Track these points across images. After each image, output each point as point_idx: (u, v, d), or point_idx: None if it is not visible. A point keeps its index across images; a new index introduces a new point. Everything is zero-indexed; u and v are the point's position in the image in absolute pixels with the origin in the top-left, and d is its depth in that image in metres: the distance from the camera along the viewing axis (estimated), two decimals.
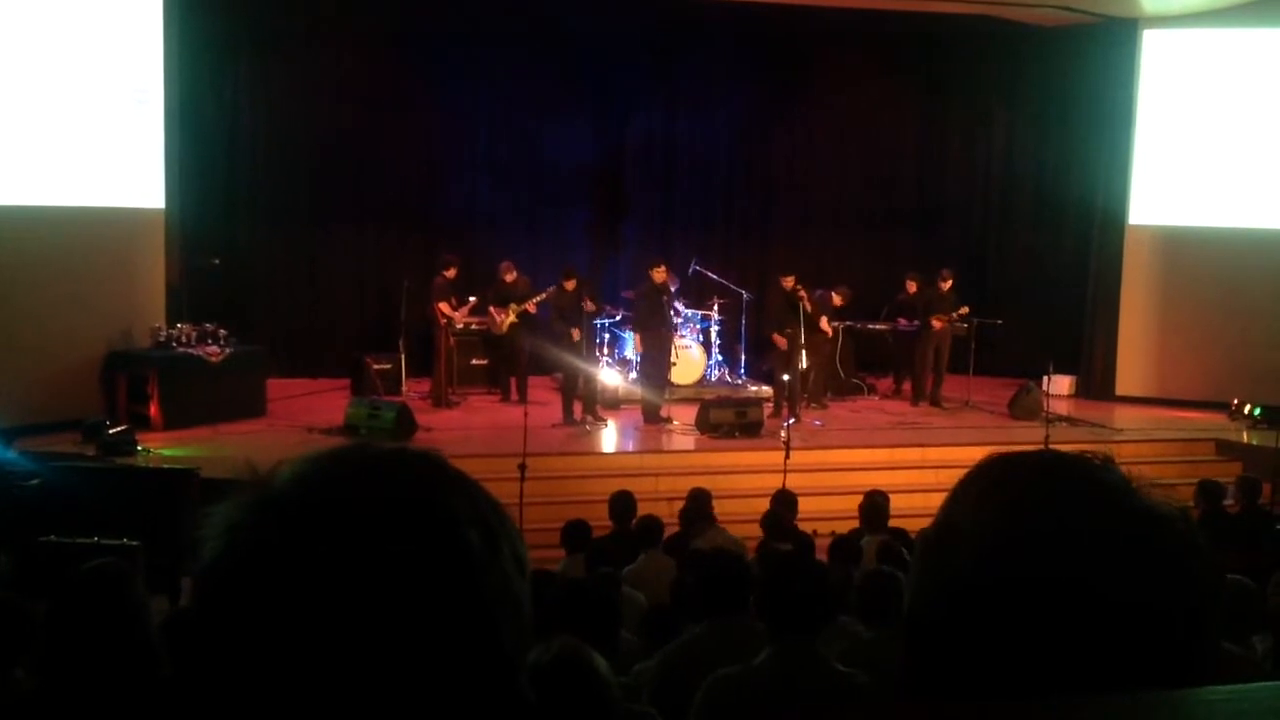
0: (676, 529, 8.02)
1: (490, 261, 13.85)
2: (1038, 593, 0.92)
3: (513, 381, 13.53)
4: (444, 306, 12.98)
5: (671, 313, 12.90)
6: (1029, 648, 0.92)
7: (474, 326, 13.74)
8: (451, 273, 13.10)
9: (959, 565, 0.96)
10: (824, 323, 13.34)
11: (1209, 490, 8.88)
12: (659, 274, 12.55)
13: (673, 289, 13.01)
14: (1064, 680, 0.90)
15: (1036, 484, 0.99)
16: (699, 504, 8.04)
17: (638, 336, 12.86)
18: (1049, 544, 0.93)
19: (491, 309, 13.29)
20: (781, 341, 12.66)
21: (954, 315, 13.73)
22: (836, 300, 13.81)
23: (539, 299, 13.06)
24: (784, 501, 8.40)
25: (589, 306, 12.53)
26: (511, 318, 13.15)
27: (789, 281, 12.64)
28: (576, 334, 12.60)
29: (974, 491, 1.00)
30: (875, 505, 7.93)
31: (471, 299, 13.25)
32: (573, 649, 2.63)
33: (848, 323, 14.46)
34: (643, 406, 12.74)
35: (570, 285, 12.56)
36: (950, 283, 13.87)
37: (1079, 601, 0.91)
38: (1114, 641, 0.91)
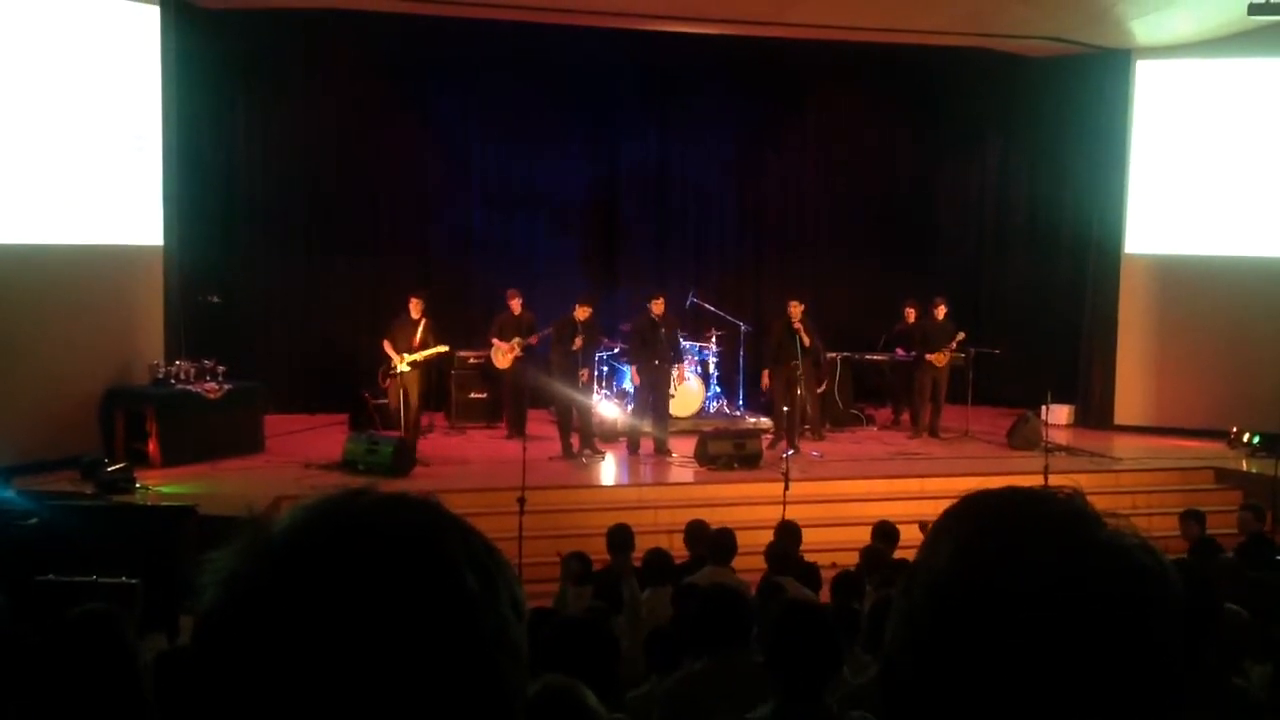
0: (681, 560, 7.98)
1: (486, 294, 13.81)
2: (995, 628, 0.91)
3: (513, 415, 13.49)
4: (386, 344, 12.60)
5: (668, 344, 12.73)
6: (993, 683, 0.91)
7: (472, 361, 13.74)
8: (413, 307, 12.51)
9: (921, 602, 0.97)
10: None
11: (1193, 519, 8.83)
12: (656, 306, 12.55)
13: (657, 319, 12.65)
14: (1033, 717, 0.90)
15: (994, 519, 0.98)
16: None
17: (632, 369, 12.86)
18: (1004, 578, 0.93)
19: (494, 341, 13.23)
20: (765, 380, 12.94)
21: (952, 347, 13.73)
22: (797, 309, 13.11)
23: (543, 333, 13.00)
24: (788, 534, 8.34)
25: (577, 344, 12.33)
26: (516, 351, 13.10)
27: (796, 310, 12.62)
28: (586, 374, 12.57)
29: (937, 529, 1.01)
30: (877, 552, 7.75)
31: (427, 350, 12.51)
32: (560, 685, 2.61)
33: (845, 354, 14.45)
34: (629, 438, 12.72)
35: (584, 314, 12.37)
36: (944, 309, 13.88)
37: (1037, 636, 0.90)
38: (1077, 676, 0.90)
